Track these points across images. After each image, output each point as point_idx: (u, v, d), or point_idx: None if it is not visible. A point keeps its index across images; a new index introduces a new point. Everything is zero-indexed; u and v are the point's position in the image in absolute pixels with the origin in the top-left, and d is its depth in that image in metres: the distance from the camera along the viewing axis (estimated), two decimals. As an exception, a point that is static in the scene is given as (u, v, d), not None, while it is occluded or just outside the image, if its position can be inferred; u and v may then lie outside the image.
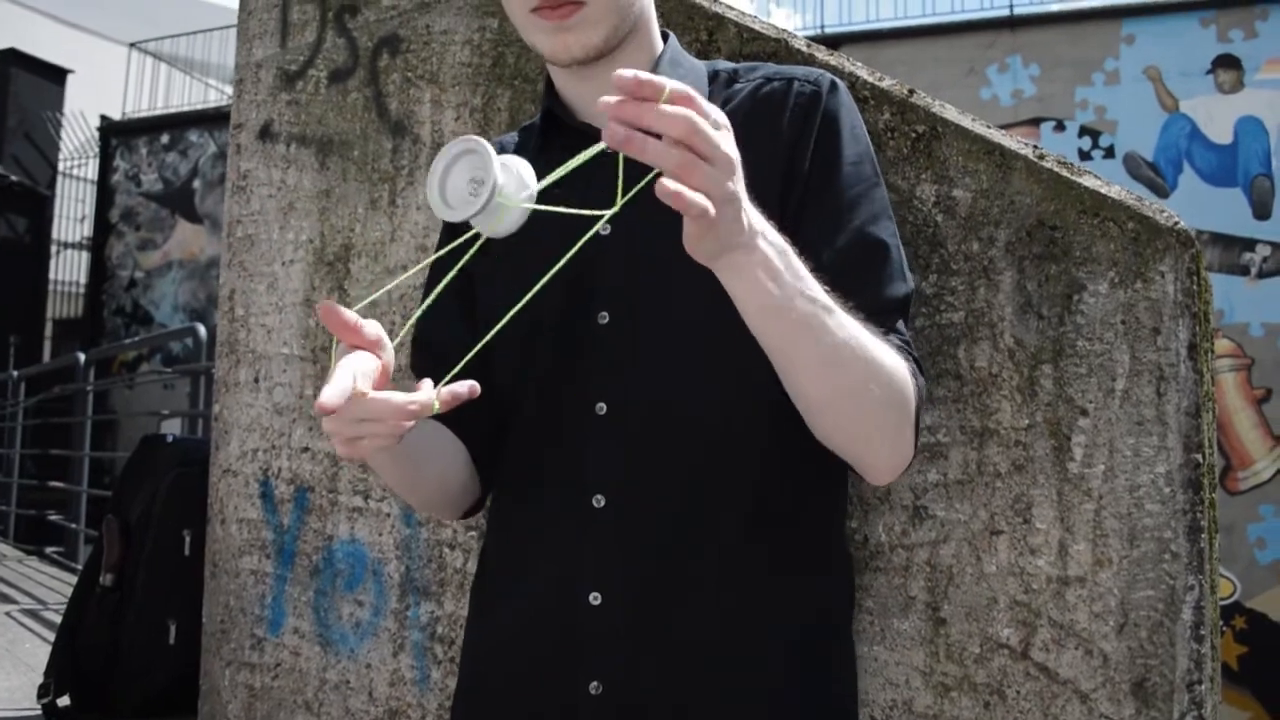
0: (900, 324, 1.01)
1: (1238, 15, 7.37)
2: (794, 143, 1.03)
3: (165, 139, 11.97)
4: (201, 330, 4.10)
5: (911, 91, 1.32)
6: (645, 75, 0.73)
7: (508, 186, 0.85)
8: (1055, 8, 8.35)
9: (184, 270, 11.62)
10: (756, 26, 1.46)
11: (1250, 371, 7.28)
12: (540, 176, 1.15)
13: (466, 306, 1.15)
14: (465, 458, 1.13)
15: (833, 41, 8.31)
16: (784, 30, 1.44)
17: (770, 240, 0.84)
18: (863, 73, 1.36)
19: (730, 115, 1.07)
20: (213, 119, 10.96)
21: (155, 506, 2.43)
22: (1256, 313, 7.28)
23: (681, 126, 0.73)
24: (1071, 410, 1.19)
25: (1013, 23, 8.10)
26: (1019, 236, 1.23)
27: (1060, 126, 7.82)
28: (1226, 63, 7.34)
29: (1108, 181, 1.21)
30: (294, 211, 1.95)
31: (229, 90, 12.27)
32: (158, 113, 12.36)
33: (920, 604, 1.27)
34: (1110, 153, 7.69)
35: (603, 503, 1.01)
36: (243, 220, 2.02)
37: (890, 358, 0.94)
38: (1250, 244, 7.34)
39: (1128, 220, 1.17)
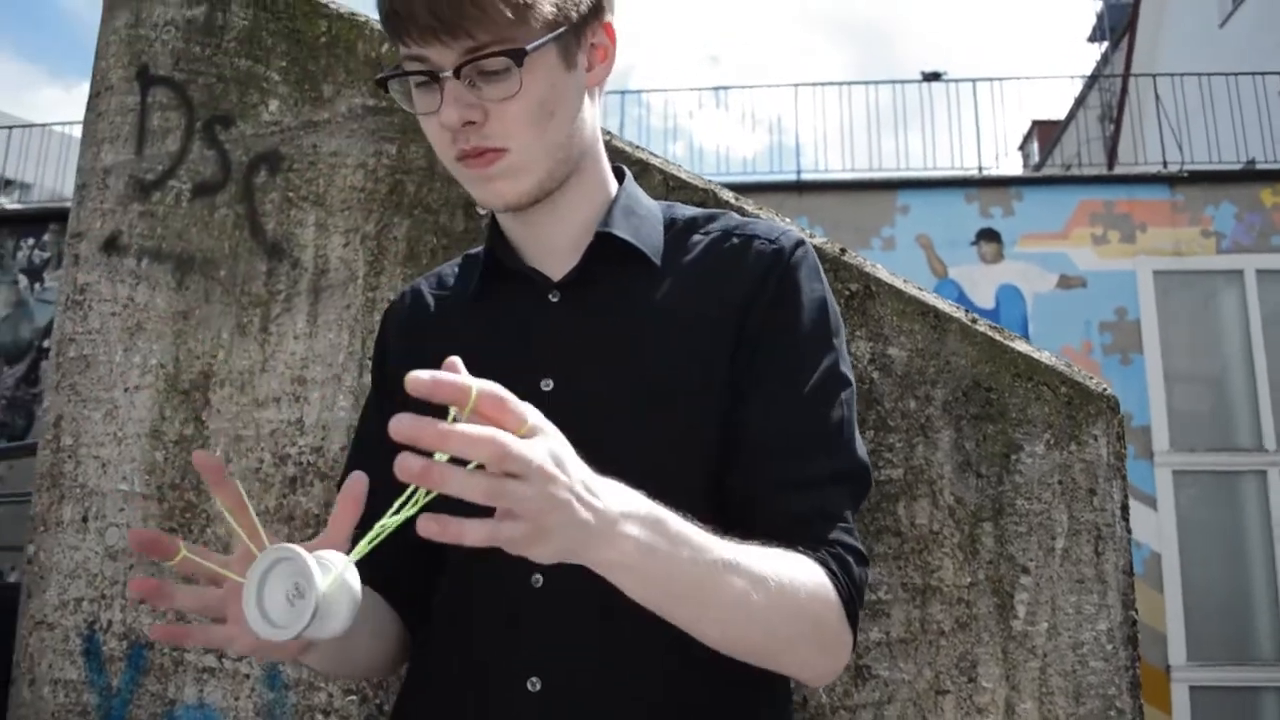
0: (842, 505, 0.97)
1: (997, 194, 8.21)
2: (748, 304, 1.00)
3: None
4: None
5: (844, 250, 1.36)
6: (445, 377, 0.64)
7: (331, 583, 0.74)
8: (838, 177, 9.04)
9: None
10: (682, 175, 1.47)
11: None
12: (481, 320, 1.08)
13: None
14: (393, 620, 1.05)
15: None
16: (710, 181, 1.46)
17: (637, 517, 0.75)
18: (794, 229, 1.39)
19: (687, 268, 1.05)
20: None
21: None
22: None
23: (488, 450, 0.63)
24: (1013, 568, 1.21)
25: (800, 187, 8.68)
26: (955, 396, 1.26)
27: (843, 284, 8.35)
28: (988, 235, 8.11)
29: (1038, 348, 1.27)
30: (142, 332, 1.77)
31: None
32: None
33: (861, 769, 1.24)
34: (887, 311, 8.26)
35: (538, 686, 0.94)
36: (77, 339, 1.81)
37: (806, 585, 0.88)
38: (1010, 400, 7.99)
39: (1060, 385, 1.23)
